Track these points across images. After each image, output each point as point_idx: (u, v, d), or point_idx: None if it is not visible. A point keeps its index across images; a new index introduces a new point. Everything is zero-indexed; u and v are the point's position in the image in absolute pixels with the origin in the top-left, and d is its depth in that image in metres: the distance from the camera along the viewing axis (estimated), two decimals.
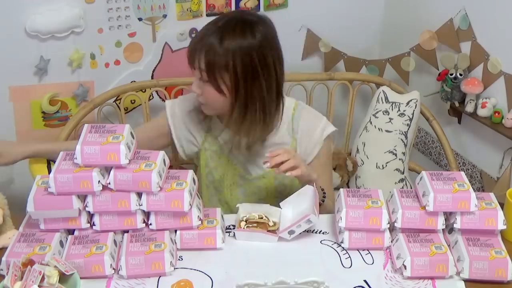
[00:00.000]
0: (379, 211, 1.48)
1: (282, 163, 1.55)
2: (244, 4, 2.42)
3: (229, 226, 1.59)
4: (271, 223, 1.56)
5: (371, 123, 2.31)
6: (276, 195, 1.76)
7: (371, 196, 1.52)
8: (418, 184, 1.52)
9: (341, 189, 1.56)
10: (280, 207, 1.60)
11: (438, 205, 1.45)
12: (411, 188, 2.26)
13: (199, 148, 1.79)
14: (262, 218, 1.57)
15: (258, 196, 1.77)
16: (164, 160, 1.47)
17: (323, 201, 1.67)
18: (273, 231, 1.54)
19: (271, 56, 1.60)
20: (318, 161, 1.76)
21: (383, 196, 1.54)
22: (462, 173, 1.53)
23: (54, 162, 1.48)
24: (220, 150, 1.77)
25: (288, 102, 1.76)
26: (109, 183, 1.42)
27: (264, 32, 1.59)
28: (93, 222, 1.46)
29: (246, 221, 1.57)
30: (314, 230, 1.58)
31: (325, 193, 1.68)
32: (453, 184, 1.47)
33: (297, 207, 1.57)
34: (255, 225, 1.56)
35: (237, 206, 1.61)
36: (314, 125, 1.75)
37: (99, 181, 1.40)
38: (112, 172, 1.42)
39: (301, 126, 1.75)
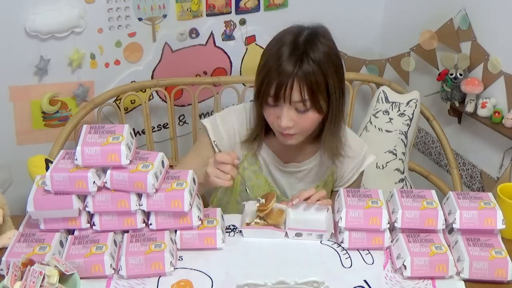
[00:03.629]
0: (379, 211, 1.48)
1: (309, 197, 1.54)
2: (244, 4, 2.42)
3: (229, 226, 1.59)
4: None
5: (371, 123, 2.31)
6: None
7: (371, 196, 1.52)
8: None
9: (341, 189, 1.56)
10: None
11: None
12: (411, 188, 2.26)
13: (240, 165, 1.71)
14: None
15: None
16: (162, 161, 1.47)
17: None
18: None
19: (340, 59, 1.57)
20: (357, 181, 1.77)
21: (383, 196, 1.54)
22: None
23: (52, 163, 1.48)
24: (259, 170, 1.72)
25: None
26: (106, 182, 1.42)
27: (328, 35, 1.56)
28: (93, 222, 1.46)
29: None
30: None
31: None
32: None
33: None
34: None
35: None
36: (357, 154, 1.72)
37: (94, 182, 1.40)
38: (108, 172, 1.42)
39: (345, 151, 1.68)
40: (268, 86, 1.49)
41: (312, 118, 1.54)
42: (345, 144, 1.66)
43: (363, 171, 1.77)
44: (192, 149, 1.81)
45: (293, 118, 1.52)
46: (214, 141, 1.62)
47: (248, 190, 1.64)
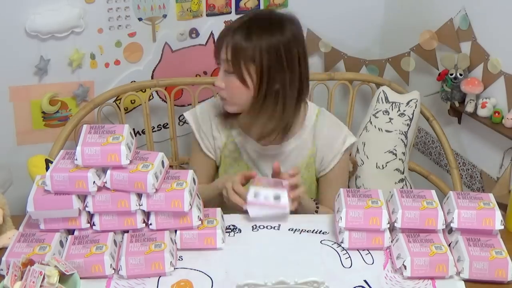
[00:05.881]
0: (379, 211, 1.48)
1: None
2: (244, 4, 2.42)
3: (229, 226, 1.59)
4: None
5: (371, 123, 2.31)
6: None
7: (371, 196, 1.52)
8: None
9: (341, 189, 1.56)
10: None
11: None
12: (411, 188, 2.26)
13: (220, 154, 1.80)
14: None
15: None
16: (162, 161, 1.47)
17: (316, 212, 1.71)
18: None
19: (297, 53, 1.64)
20: (334, 173, 1.78)
21: (383, 196, 1.54)
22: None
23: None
24: (239, 157, 1.77)
25: (311, 109, 1.78)
26: (106, 182, 1.42)
27: (293, 30, 1.65)
28: (93, 222, 1.46)
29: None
30: (314, 230, 1.58)
31: (317, 204, 1.73)
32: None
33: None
34: None
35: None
36: (336, 135, 1.77)
37: (94, 182, 1.40)
38: (108, 172, 1.42)
39: (324, 133, 1.76)
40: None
41: (235, 85, 1.64)
42: (296, 123, 1.73)
43: (347, 153, 1.80)
44: (193, 153, 1.90)
45: (223, 79, 1.65)
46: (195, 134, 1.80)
47: None
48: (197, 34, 2.40)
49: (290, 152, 1.76)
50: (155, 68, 2.37)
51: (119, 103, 2.26)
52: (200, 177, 1.63)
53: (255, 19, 1.65)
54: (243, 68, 1.61)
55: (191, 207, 1.44)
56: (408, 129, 2.27)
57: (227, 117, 1.75)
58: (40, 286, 1.26)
